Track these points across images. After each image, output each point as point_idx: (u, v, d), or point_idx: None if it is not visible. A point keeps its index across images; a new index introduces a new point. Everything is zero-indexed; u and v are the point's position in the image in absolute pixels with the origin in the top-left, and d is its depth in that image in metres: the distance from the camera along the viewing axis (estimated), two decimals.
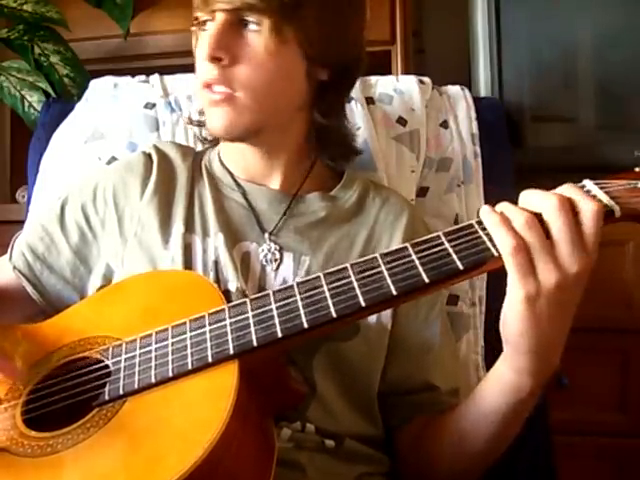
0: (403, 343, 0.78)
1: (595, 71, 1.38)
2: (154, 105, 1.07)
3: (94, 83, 1.14)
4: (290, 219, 0.80)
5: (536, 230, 0.53)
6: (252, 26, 0.72)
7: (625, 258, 1.27)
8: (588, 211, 0.53)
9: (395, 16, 1.50)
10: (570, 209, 0.53)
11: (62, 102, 1.21)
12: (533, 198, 0.55)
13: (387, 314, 0.77)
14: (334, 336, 0.73)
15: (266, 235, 0.78)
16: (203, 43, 0.73)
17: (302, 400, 0.66)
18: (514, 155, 1.12)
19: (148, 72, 1.15)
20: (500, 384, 0.62)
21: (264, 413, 0.59)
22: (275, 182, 0.82)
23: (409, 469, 0.76)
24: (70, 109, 1.12)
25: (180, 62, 1.44)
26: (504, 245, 0.53)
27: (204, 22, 0.74)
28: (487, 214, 0.55)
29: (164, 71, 1.15)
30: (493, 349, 0.95)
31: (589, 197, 0.55)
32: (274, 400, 0.61)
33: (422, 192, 1.04)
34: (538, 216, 0.54)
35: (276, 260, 0.77)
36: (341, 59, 0.78)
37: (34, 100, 1.39)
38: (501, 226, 0.54)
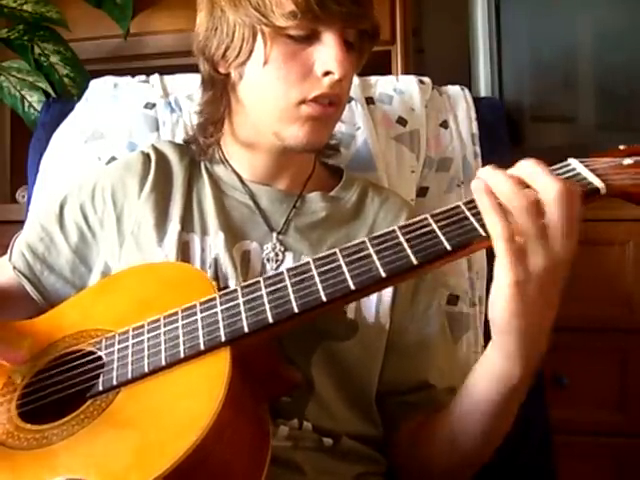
0: (400, 343, 0.79)
1: (595, 71, 1.38)
2: (154, 105, 1.08)
3: (94, 83, 1.14)
4: (293, 219, 0.81)
5: (534, 218, 0.52)
6: (349, 44, 0.73)
7: (625, 258, 1.27)
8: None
9: (395, 16, 1.50)
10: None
11: (62, 102, 1.21)
12: (539, 178, 0.53)
13: (385, 314, 0.77)
14: (332, 335, 0.73)
15: (274, 234, 0.79)
16: (325, 57, 0.70)
17: (296, 387, 0.66)
18: (514, 155, 1.11)
19: (148, 72, 1.15)
20: (490, 371, 0.62)
21: (257, 400, 0.60)
22: (281, 183, 0.83)
23: (406, 469, 0.76)
24: (70, 109, 1.12)
25: (180, 62, 1.43)
26: (498, 233, 0.52)
27: (309, 33, 0.71)
28: (481, 195, 0.54)
29: (164, 71, 1.15)
30: None
31: (569, 179, 0.54)
32: (267, 387, 0.62)
33: (422, 192, 1.05)
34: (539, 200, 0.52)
35: (277, 260, 0.77)
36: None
37: (34, 100, 1.39)
38: (496, 212, 0.53)
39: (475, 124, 1.10)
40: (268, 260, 0.78)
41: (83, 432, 0.55)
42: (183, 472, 0.49)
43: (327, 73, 0.71)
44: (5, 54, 1.47)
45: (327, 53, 0.70)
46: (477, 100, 1.14)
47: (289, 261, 0.78)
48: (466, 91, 1.14)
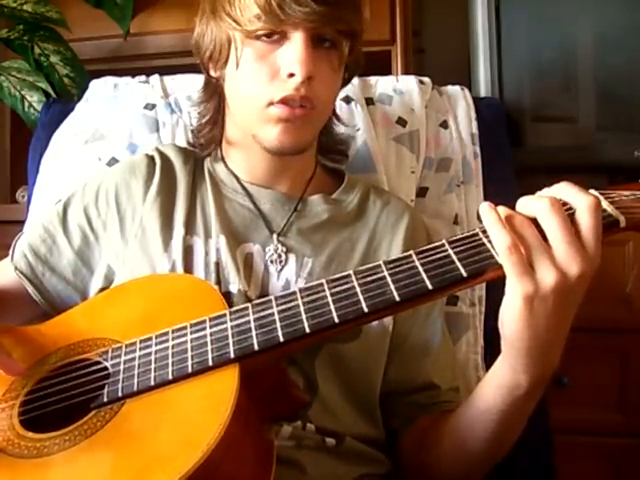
0: (404, 344, 0.79)
1: (595, 71, 1.37)
2: (154, 106, 1.08)
3: (94, 83, 1.14)
4: (295, 221, 0.81)
5: (532, 230, 0.53)
6: (327, 44, 0.73)
7: (625, 258, 1.27)
8: (583, 206, 0.53)
9: (395, 16, 1.50)
10: (561, 209, 0.53)
11: (62, 102, 1.21)
12: (528, 203, 0.55)
13: (389, 316, 0.77)
14: (336, 338, 0.73)
15: (274, 236, 0.79)
16: (288, 58, 0.70)
17: (302, 407, 0.66)
18: (514, 155, 1.12)
19: (148, 72, 1.15)
20: (496, 381, 0.62)
21: (263, 418, 0.59)
22: (282, 185, 0.83)
23: (411, 471, 0.76)
24: (70, 109, 1.12)
25: (180, 62, 1.44)
26: (500, 243, 0.53)
27: (278, 35, 0.71)
28: (486, 212, 0.55)
29: (164, 71, 1.15)
30: (493, 349, 0.95)
31: (583, 192, 0.54)
32: (273, 406, 0.61)
33: (422, 192, 1.05)
34: (534, 220, 0.54)
35: (281, 261, 0.78)
36: (356, 70, 0.84)
37: (34, 100, 1.39)
38: (498, 224, 0.53)
39: (475, 124, 1.10)
40: (272, 262, 0.78)
41: (85, 443, 0.55)
42: None
43: (291, 75, 0.71)
44: (5, 54, 1.47)
45: (290, 54, 0.71)
46: (477, 100, 1.14)
47: (292, 263, 0.78)
48: (466, 91, 1.14)
